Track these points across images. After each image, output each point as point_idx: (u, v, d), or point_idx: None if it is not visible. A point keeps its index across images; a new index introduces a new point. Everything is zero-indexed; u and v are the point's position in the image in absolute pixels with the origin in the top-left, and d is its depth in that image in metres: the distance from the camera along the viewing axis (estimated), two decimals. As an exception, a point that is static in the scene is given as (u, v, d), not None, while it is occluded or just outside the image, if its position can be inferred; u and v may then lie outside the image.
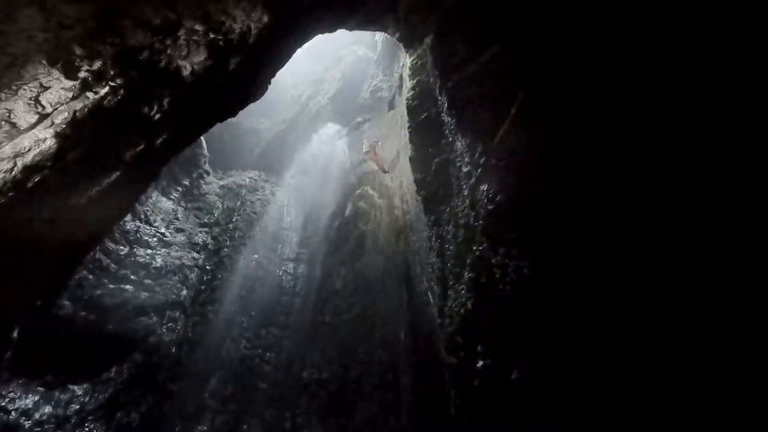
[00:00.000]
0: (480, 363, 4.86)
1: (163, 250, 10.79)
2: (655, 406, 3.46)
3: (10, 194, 3.49)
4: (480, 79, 6.04)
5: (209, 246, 11.92)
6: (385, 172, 11.60)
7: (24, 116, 3.49)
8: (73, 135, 3.72)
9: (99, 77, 3.75)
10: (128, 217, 10.19)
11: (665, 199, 3.65)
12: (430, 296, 7.23)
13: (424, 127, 7.99)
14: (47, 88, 3.50)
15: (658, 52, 3.81)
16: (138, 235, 10.43)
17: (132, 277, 9.88)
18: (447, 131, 6.99)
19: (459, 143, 6.37)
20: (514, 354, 4.43)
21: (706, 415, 3.08)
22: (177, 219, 11.72)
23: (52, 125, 3.62)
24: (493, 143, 5.51)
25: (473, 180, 5.72)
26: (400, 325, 8.91)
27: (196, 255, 11.48)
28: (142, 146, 4.39)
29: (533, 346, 4.35)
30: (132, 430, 8.56)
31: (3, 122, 3.41)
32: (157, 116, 4.28)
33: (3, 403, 7.35)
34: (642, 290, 3.70)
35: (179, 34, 4.13)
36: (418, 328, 8.07)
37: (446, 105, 6.86)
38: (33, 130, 3.58)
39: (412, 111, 8.53)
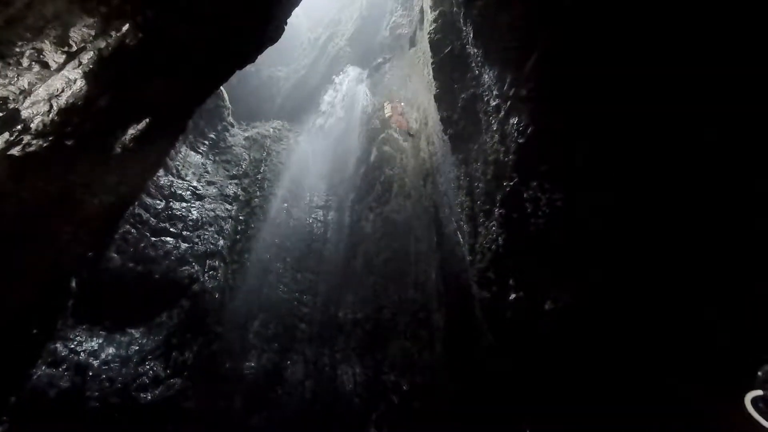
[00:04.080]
0: (512, 296, 4.94)
1: (197, 202, 11.16)
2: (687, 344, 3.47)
3: (51, 138, 3.63)
4: (508, 2, 5.61)
5: (240, 197, 12.22)
6: (411, 135, 11.17)
7: (53, 56, 3.54)
8: (100, 75, 3.77)
9: (118, 14, 3.71)
10: (161, 173, 10.51)
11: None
12: (460, 236, 7.27)
13: (448, 62, 7.63)
14: (71, 26, 3.51)
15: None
16: (172, 190, 10.78)
17: (171, 229, 10.35)
18: (473, 64, 6.65)
19: (486, 76, 6.07)
20: (547, 285, 4.47)
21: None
22: (207, 172, 11.98)
23: (80, 65, 3.66)
24: (523, 73, 5.22)
25: (502, 114, 5.50)
26: (430, 266, 9.08)
27: (228, 206, 11.83)
28: (167, 90, 4.39)
29: (566, 278, 4.36)
30: (188, 367, 9.36)
31: (33, 63, 3.48)
32: (179, 57, 4.24)
33: (72, 346, 8.15)
34: (680, 221, 3.59)
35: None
36: (449, 267, 8.21)
37: (471, 35, 6.47)
38: (63, 71, 3.63)
39: (434, 45, 8.13)
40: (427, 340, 8.72)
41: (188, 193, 11.14)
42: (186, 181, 11.26)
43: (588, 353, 4.00)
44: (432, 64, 8.18)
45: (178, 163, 11.26)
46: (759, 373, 1.99)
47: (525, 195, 4.80)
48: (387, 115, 12.03)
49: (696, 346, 3.45)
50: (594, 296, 3.96)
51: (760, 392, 1.93)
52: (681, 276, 3.55)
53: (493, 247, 5.48)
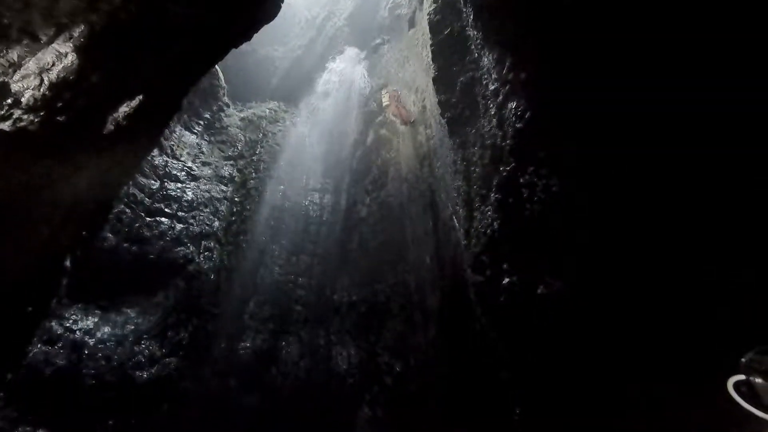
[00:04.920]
0: (506, 280, 4.98)
1: (192, 183, 11.08)
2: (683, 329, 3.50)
3: (42, 113, 3.55)
4: (509, -17, 5.49)
5: (236, 179, 12.15)
6: (410, 123, 11.00)
7: (42, 28, 3.43)
8: (92, 50, 3.66)
9: (110, -15, 3.61)
10: (155, 152, 10.39)
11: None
12: (455, 220, 7.28)
13: (447, 44, 7.53)
14: (60, -4, 3.41)
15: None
16: (167, 170, 10.69)
17: (166, 210, 10.30)
18: (472, 47, 6.56)
19: (485, 59, 5.99)
20: (541, 271, 4.50)
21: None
22: (202, 153, 11.87)
23: (71, 38, 3.56)
24: (522, 57, 5.15)
25: (501, 98, 5.45)
26: (425, 250, 9.11)
27: (224, 188, 11.76)
28: (161, 67, 4.29)
29: (560, 264, 4.39)
30: (183, 347, 9.44)
31: (23, 35, 3.37)
32: (173, 33, 4.13)
33: (68, 324, 8.17)
34: (673, 207, 3.59)
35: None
36: (443, 252, 8.26)
37: (471, 17, 6.37)
38: (53, 44, 3.53)
39: (434, 27, 8.00)
40: (421, 323, 8.82)
41: (183, 173, 11.05)
42: (181, 161, 11.15)
43: (579, 339, 4.06)
44: (431, 46, 8.06)
45: (172, 143, 11.14)
46: (742, 359, 2.05)
47: (521, 180, 4.79)
48: (384, 105, 11.89)
49: (690, 341, 3.49)
50: (587, 283, 4.00)
51: (742, 377, 1.98)
52: (676, 268, 3.57)
53: (488, 231, 5.50)
